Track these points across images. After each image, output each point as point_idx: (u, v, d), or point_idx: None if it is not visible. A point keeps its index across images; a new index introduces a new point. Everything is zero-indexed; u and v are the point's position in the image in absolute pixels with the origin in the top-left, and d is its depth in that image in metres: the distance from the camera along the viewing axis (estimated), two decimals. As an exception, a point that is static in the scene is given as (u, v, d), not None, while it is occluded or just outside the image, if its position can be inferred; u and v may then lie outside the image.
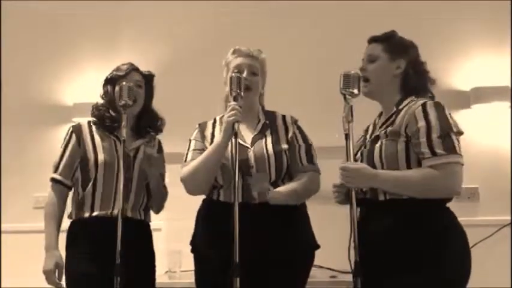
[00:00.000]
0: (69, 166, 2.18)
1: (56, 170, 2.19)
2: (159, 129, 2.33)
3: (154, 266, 2.26)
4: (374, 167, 1.80)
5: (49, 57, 3.52)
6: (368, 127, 2.03)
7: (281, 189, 1.99)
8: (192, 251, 2.12)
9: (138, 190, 2.19)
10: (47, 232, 2.14)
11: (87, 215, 2.13)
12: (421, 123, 1.75)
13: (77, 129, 2.22)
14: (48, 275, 2.08)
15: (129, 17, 3.48)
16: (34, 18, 3.56)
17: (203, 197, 2.11)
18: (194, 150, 2.08)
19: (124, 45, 3.41)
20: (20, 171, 3.36)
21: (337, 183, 1.92)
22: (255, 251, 1.84)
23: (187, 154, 2.09)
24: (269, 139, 2.06)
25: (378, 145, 1.82)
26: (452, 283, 1.74)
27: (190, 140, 2.13)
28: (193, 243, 2.12)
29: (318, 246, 2.09)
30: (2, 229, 3.26)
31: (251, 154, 2.01)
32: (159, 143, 2.35)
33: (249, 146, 2.03)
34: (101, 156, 2.14)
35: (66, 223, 2.23)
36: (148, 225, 2.28)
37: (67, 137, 2.21)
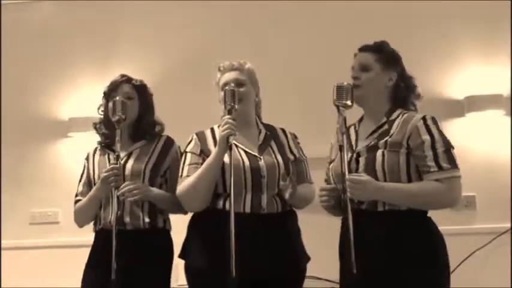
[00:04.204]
0: (87, 186, 2.25)
1: (76, 193, 2.27)
2: (156, 135, 2.25)
3: (160, 275, 2.12)
4: (375, 176, 1.81)
5: (45, 73, 3.53)
6: (341, 134, 1.96)
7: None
8: (186, 260, 2.03)
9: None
10: (85, 199, 2.19)
11: (97, 229, 2.21)
12: (426, 137, 1.82)
13: (86, 157, 2.31)
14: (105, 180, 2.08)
15: (124, 33, 3.50)
16: (30, 34, 3.58)
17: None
18: (190, 164, 2.02)
19: (119, 61, 3.42)
20: (16, 186, 3.35)
21: (326, 187, 1.92)
22: (258, 263, 1.83)
23: (183, 168, 2.03)
24: (276, 149, 2.07)
25: (379, 155, 1.83)
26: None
27: (186, 153, 2.07)
28: (187, 253, 2.03)
29: (309, 258, 2.08)
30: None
31: (262, 164, 1.99)
32: (166, 140, 2.24)
33: (258, 156, 2.01)
34: (96, 174, 2.19)
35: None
36: (160, 231, 2.17)
37: (82, 166, 2.31)
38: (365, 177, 1.79)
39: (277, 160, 2.02)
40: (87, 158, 2.30)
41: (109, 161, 2.19)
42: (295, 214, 2.09)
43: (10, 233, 3.26)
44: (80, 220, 2.23)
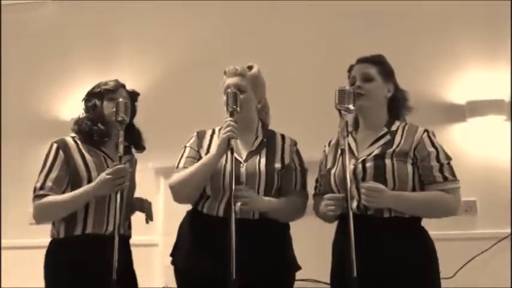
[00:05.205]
0: (60, 181, 2.07)
1: (41, 187, 2.06)
2: (142, 147, 2.32)
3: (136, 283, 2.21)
4: (385, 184, 1.83)
5: (46, 73, 3.55)
6: (343, 138, 1.94)
7: (265, 197, 1.97)
8: (173, 259, 2.06)
9: (126, 206, 2.14)
10: (71, 196, 2.03)
11: (78, 232, 2.05)
12: (431, 149, 1.90)
13: (63, 146, 2.13)
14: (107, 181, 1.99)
15: (125, 35, 3.52)
16: (32, 36, 3.59)
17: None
18: (187, 157, 2.06)
19: (120, 61, 3.43)
20: (16, 186, 3.35)
21: (334, 196, 1.87)
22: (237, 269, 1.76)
23: (179, 160, 2.06)
24: (263, 157, 2.04)
25: (388, 163, 1.86)
26: None
27: (185, 147, 2.11)
28: (174, 256, 2.07)
29: (298, 267, 2.05)
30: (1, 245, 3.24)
31: (243, 170, 1.99)
32: (136, 163, 2.32)
33: (242, 161, 2.01)
34: (94, 174, 2.07)
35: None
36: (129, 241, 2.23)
37: (52, 153, 2.12)
38: (381, 185, 1.81)
39: (259, 168, 2.00)
40: (64, 150, 2.10)
41: (106, 164, 2.13)
42: (283, 222, 2.05)
43: (10, 232, 3.27)
44: (48, 217, 2.07)
